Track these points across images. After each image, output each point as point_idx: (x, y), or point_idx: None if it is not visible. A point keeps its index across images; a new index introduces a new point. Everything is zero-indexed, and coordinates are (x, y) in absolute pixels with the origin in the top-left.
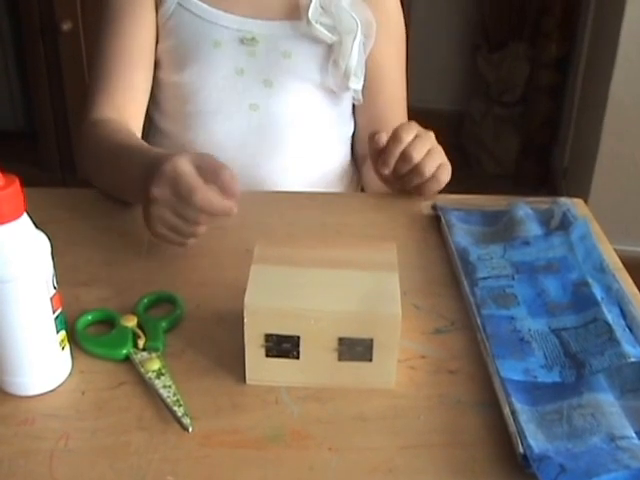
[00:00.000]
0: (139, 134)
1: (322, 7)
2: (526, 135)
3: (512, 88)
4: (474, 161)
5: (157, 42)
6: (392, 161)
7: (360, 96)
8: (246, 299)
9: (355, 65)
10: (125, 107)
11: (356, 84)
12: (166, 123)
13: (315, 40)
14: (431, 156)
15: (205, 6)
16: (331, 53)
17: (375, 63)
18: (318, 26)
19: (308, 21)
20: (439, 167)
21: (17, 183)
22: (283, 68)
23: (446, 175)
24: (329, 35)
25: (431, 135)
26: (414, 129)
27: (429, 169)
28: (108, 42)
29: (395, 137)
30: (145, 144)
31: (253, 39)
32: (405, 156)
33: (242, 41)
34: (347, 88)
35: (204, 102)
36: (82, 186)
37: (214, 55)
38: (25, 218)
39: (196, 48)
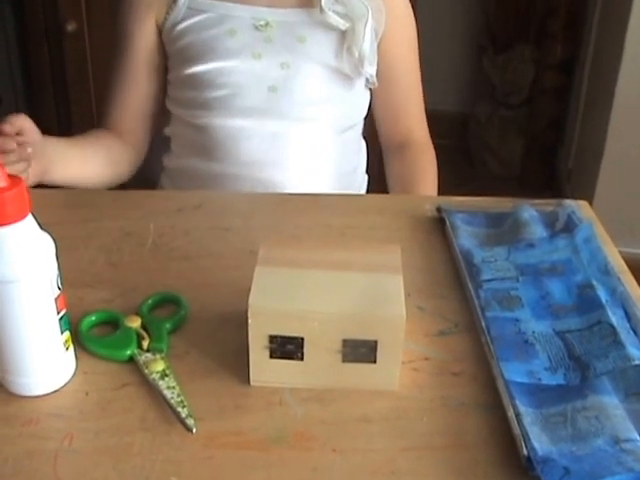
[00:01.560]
0: (139, 144)
1: None
2: (531, 137)
3: (517, 90)
4: (479, 162)
5: (165, 45)
6: None
7: (375, 79)
8: (250, 300)
9: (368, 50)
10: (120, 124)
11: (370, 69)
12: (182, 109)
13: (329, 26)
14: None
15: (216, 2)
16: (344, 39)
17: (387, 51)
18: (331, 14)
19: (321, 9)
20: None
21: (22, 184)
22: (298, 51)
23: None
24: (342, 22)
25: None
26: None
27: None
28: (115, 61)
29: None
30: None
31: (267, 24)
32: None
33: (257, 27)
34: (360, 73)
35: (222, 87)
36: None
37: (231, 43)
38: (30, 219)
39: (212, 39)
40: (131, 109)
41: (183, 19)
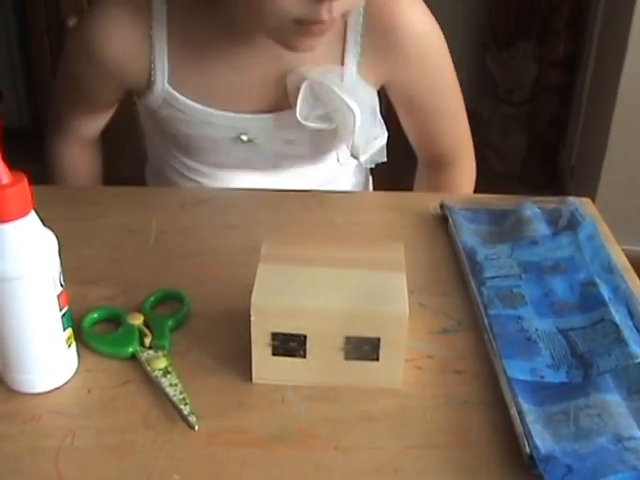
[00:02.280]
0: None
1: (313, 95)
2: (534, 134)
3: (520, 87)
4: (481, 160)
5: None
6: None
7: (384, 157)
8: (253, 298)
9: (362, 144)
10: (82, 133)
11: (366, 157)
12: (161, 149)
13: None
14: None
15: (194, 104)
16: (336, 134)
17: (401, 93)
18: (310, 123)
19: (298, 122)
20: None
21: (25, 181)
22: (288, 153)
23: None
24: (325, 125)
25: None
26: None
27: None
28: (62, 83)
29: None
30: None
31: (250, 141)
32: None
33: (240, 140)
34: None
35: (215, 173)
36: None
37: (215, 148)
38: (33, 215)
39: (194, 142)
40: (91, 121)
41: (160, 108)
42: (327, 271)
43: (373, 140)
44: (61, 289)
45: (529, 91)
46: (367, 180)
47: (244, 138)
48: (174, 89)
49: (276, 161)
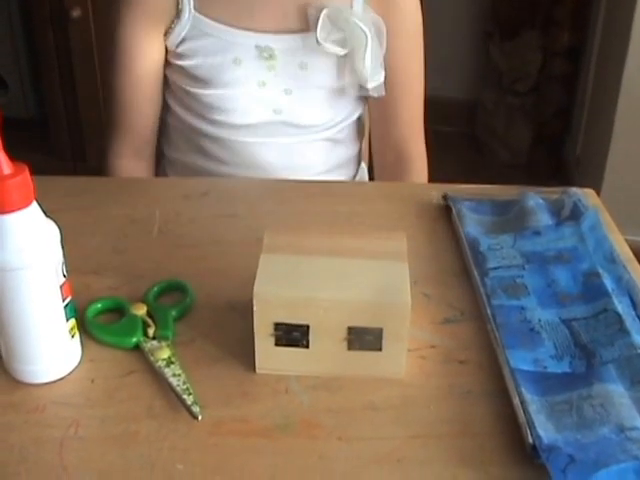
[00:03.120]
0: (152, 148)
1: (331, 21)
2: (538, 124)
3: (524, 77)
4: (486, 150)
5: (169, 62)
6: None
7: (383, 91)
8: (255, 288)
9: (370, 69)
10: (139, 139)
11: (374, 83)
12: (184, 114)
13: (328, 52)
14: None
15: (221, 26)
16: (345, 61)
17: (389, 63)
18: (328, 45)
19: (317, 40)
20: None
21: (26, 171)
22: (300, 78)
23: None
24: (339, 49)
25: None
26: None
27: None
28: (118, 77)
29: None
30: None
31: (271, 56)
32: None
33: (261, 56)
34: (364, 90)
35: (227, 114)
36: (93, 174)
37: (236, 72)
38: (34, 206)
39: (217, 67)
40: (143, 126)
41: (187, 38)
42: (330, 261)
43: (380, 68)
44: (64, 279)
45: (533, 81)
46: (360, 151)
47: (266, 55)
48: (200, 14)
49: (289, 85)
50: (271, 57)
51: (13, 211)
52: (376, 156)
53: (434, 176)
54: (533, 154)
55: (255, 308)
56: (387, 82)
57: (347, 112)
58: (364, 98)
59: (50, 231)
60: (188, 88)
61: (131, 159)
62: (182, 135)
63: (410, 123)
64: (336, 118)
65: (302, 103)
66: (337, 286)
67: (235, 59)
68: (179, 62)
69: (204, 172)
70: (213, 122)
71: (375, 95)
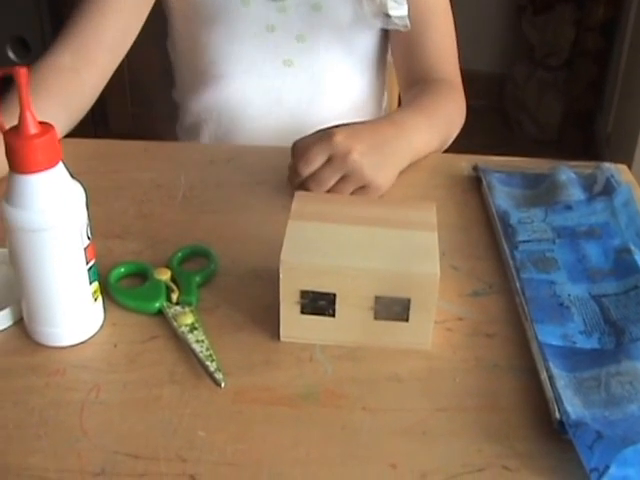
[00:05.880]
0: (99, 80)
1: None
2: (570, 100)
3: (557, 51)
4: (516, 125)
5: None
6: (297, 182)
7: (407, 22)
8: (282, 255)
9: None
10: (83, 51)
11: (397, 12)
12: (197, 85)
13: None
14: (345, 183)
15: None
16: None
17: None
18: None
19: None
20: (356, 191)
21: (53, 131)
22: (314, 21)
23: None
24: None
25: (348, 155)
26: (329, 148)
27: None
28: None
29: (305, 158)
30: None
31: None
32: (313, 181)
33: None
34: (386, 21)
35: (235, 62)
36: (114, 139)
37: (243, 13)
38: (61, 167)
39: (224, 6)
40: (102, 37)
41: None
42: (358, 229)
43: None
44: (88, 242)
45: (566, 56)
46: (382, 95)
47: None
48: None
49: (301, 30)
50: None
51: (39, 171)
52: (400, 88)
53: (461, 149)
54: (563, 130)
55: (281, 276)
56: (413, 27)
57: (367, 63)
58: (385, 48)
59: (76, 192)
60: (191, 33)
61: (70, 64)
62: (191, 111)
63: (437, 62)
64: (355, 73)
65: (315, 52)
66: (365, 255)
67: (245, 2)
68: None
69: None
70: (218, 84)
71: (401, 27)
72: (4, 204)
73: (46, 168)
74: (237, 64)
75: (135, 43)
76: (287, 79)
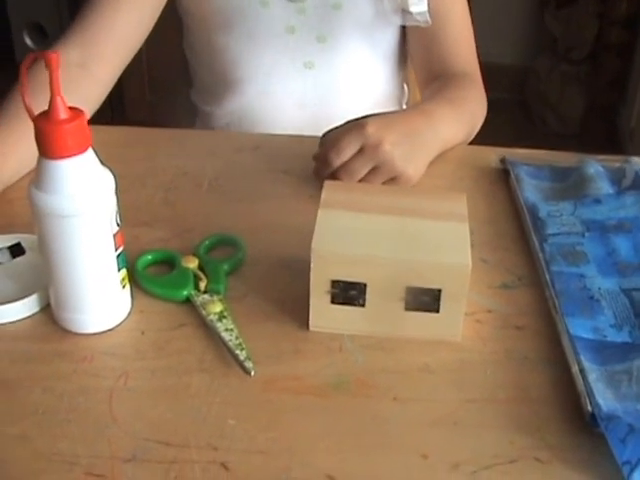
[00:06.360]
0: (109, 75)
1: None
2: (592, 94)
3: (580, 45)
4: (538, 119)
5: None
6: (327, 172)
7: (427, 17)
8: (313, 244)
9: None
10: (93, 46)
11: (418, 7)
12: (217, 88)
13: None
14: (375, 174)
15: None
16: None
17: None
18: None
19: None
20: (386, 182)
21: (83, 116)
22: (334, 20)
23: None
24: None
25: (380, 146)
26: (360, 138)
27: None
28: None
29: (336, 148)
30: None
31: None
32: (344, 171)
33: None
34: (408, 13)
35: (256, 66)
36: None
37: (262, 15)
38: (91, 152)
39: (243, 9)
40: (113, 32)
41: None
42: (389, 219)
43: None
44: (117, 228)
45: (589, 49)
46: (402, 93)
47: None
48: None
49: (320, 30)
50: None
51: (69, 156)
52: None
53: (482, 142)
54: (585, 124)
55: (312, 265)
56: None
57: (388, 60)
58: (405, 45)
59: (106, 178)
60: (209, 39)
61: (78, 60)
62: (210, 113)
63: (457, 56)
64: (376, 71)
65: (335, 53)
66: (397, 245)
67: (262, 1)
68: (197, 7)
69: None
70: (239, 90)
71: (421, 23)
72: (33, 190)
73: (76, 153)
74: (258, 67)
75: (153, 31)
76: (308, 81)
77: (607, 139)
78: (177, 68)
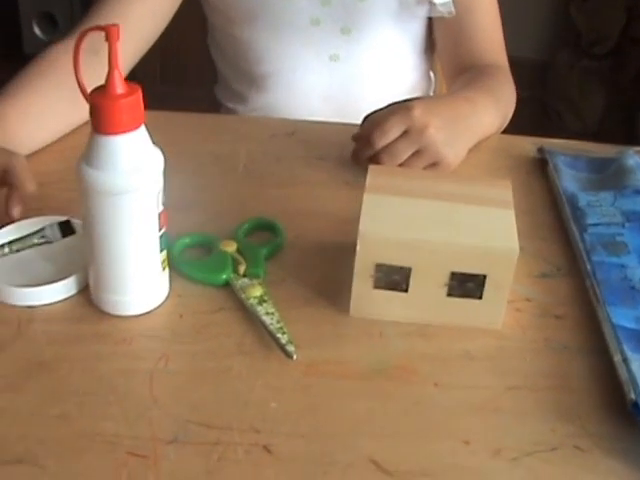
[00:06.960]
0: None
1: None
2: (614, 91)
3: (604, 39)
4: (555, 116)
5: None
6: (368, 153)
7: (452, 8)
8: (361, 227)
9: None
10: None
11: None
12: (242, 85)
13: None
14: (417, 158)
15: None
16: None
17: None
18: None
19: None
20: (428, 167)
21: (139, 92)
22: (359, 12)
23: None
24: None
25: (425, 130)
26: (406, 121)
27: None
28: None
29: (381, 129)
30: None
31: None
32: (387, 153)
33: None
34: (432, 3)
35: (281, 59)
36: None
37: (286, 7)
38: (143, 129)
39: (267, 1)
40: (126, 24)
41: None
42: (435, 204)
43: None
44: (162, 208)
45: (613, 44)
46: (429, 82)
47: None
48: None
49: (346, 22)
50: None
51: (124, 132)
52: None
53: None
54: (605, 123)
55: (358, 248)
56: (458, 12)
57: (413, 52)
58: (430, 37)
59: (156, 156)
60: (230, 32)
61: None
62: (230, 86)
63: (486, 48)
64: (401, 63)
65: (361, 45)
66: (442, 230)
67: None
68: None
69: None
70: (263, 85)
71: (445, 14)
72: (84, 166)
73: (131, 129)
74: (283, 61)
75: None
76: (334, 74)
77: (626, 139)
78: (196, 63)
